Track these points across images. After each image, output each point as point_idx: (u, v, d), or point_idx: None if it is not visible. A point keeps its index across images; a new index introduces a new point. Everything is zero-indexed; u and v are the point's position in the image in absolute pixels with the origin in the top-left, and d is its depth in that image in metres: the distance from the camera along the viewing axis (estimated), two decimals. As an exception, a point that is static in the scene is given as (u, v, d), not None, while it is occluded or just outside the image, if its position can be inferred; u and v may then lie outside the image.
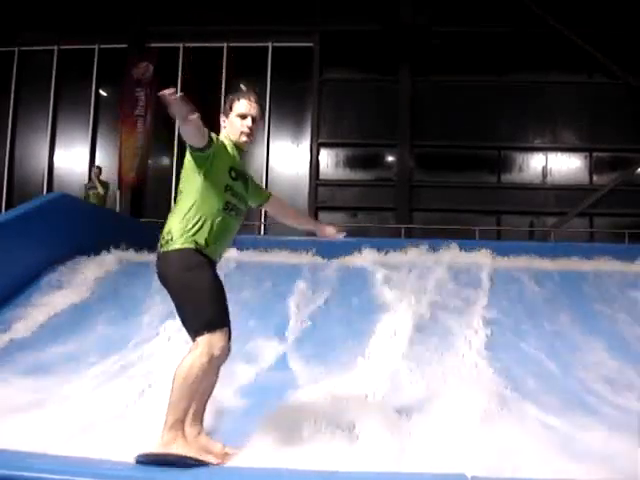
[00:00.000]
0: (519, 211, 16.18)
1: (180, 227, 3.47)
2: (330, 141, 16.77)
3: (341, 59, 17.00)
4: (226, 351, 3.40)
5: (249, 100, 3.75)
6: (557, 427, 4.56)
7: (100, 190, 13.13)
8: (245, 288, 8.06)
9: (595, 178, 16.31)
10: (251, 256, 9.95)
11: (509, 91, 16.43)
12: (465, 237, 13.78)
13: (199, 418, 3.57)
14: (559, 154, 16.46)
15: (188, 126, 3.57)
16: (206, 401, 3.61)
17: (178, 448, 3.18)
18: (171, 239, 3.47)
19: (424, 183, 16.44)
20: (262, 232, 16.02)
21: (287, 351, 6.48)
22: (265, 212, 16.69)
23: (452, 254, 9.86)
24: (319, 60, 16.83)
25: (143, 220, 15.10)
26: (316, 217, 16.23)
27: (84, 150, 17.41)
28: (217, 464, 3.28)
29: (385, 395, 5.09)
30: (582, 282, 8.72)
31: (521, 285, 8.59)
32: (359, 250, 9.84)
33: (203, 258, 3.46)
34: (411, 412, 4.53)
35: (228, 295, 3.62)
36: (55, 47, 17.54)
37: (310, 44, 16.90)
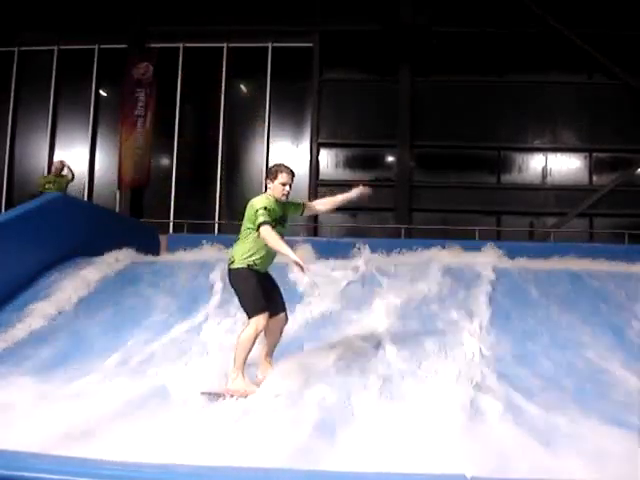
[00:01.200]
0: (519, 211, 16.19)
1: (237, 254, 5.51)
2: (330, 141, 16.78)
3: (341, 59, 17.01)
4: (275, 324, 5.61)
5: (287, 174, 5.56)
6: (558, 426, 4.57)
7: (53, 185, 11.97)
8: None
9: (595, 179, 16.32)
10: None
11: (509, 91, 16.44)
12: (465, 237, 13.80)
13: (268, 357, 5.76)
14: (559, 154, 16.47)
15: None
16: (272, 346, 5.75)
17: (239, 385, 5.28)
18: (233, 261, 5.51)
19: (424, 183, 16.44)
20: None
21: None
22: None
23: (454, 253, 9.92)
24: (319, 60, 16.83)
25: (143, 220, 15.13)
26: (316, 218, 16.26)
27: (84, 150, 17.41)
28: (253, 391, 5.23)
29: (381, 394, 5.10)
30: (582, 282, 8.72)
31: (521, 285, 8.60)
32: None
33: (252, 272, 5.48)
34: (408, 412, 4.54)
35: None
36: (55, 47, 17.55)
37: (310, 44, 16.91)
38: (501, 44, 16.44)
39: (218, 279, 8.35)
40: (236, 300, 5.69)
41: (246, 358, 5.39)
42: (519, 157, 16.56)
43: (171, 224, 15.96)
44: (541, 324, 7.32)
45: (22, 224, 8.88)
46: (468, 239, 13.50)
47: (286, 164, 5.72)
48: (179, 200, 16.79)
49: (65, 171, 12.22)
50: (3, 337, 7.19)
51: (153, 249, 10.73)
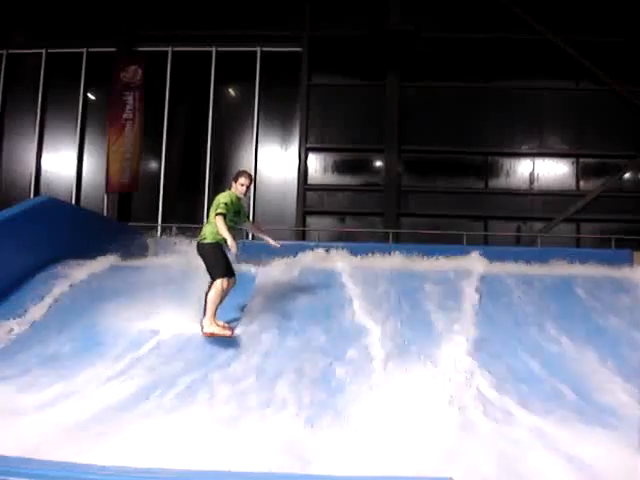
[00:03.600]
0: (506, 216, 16.25)
1: (207, 232, 7.05)
2: (318, 146, 16.79)
3: (329, 64, 17.04)
4: (228, 285, 7.04)
5: (246, 177, 7.29)
6: (546, 431, 4.59)
7: None
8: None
9: (582, 184, 16.41)
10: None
11: (496, 97, 16.52)
12: (453, 242, 13.85)
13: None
14: (546, 160, 16.56)
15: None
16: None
17: (214, 329, 6.82)
18: (205, 237, 7.03)
19: (412, 188, 16.49)
20: (250, 236, 16.04)
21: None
22: (253, 218, 16.81)
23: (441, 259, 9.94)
24: (307, 65, 16.85)
25: (131, 224, 15.09)
26: (304, 222, 16.29)
27: (72, 154, 17.36)
28: (231, 333, 6.89)
29: (370, 399, 5.11)
30: (569, 287, 8.76)
31: (508, 290, 8.63)
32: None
33: (220, 246, 6.98)
34: (397, 415, 4.55)
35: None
36: (43, 50, 17.49)
37: (299, 49, 16.93)
38: (488, 50, 16.53)
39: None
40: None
41: (215, 310, 6.88)
42: (506, 162, 16.64)
43: (159, 227, 15.92)
44: (530, 329, 7.36)
45: (9, 228, 8.85)
46: (456, 244, 13.56)
47: (247, 171, 7.67)
48: (167, 204, 16.77)
49: None
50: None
51: (140, 252, 10.69)
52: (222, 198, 7.11)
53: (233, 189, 7.31)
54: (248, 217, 8.22)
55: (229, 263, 7.18)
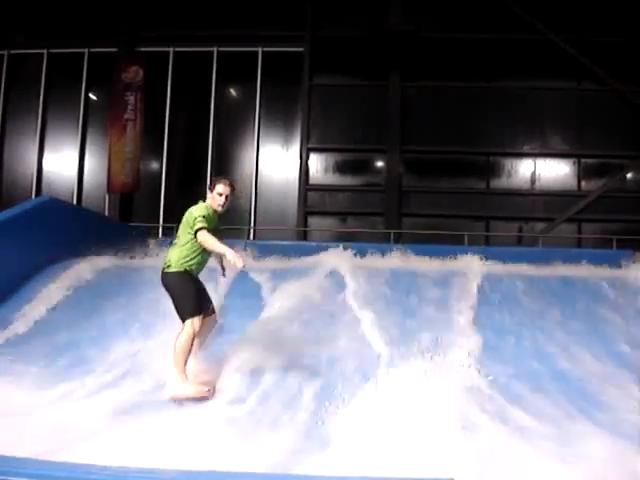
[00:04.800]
0: (508, 217, 16.23)
1: (174, 258, 5.84)
2: (320, 146, 16.78)
3: (331, 64, 17.02)
4: (205, 325, 5.94)
5: (224, 185, 5.98)
6: (549, 433, 4.59)
7: None
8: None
9: (583, 184, 16.39)
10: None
11: (498, 97, 16.50)
12: (454, 242, 13.84)
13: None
14: (547, 160, 16.53)
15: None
16: (199, 346, 6.08)
17: (186, 390, 5.54)
18: (170, 265, 5.83)
19: (413, 188, 16.48)
20: (252, 236, 16.06)
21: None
22: (255, 218, 16.64)
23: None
24: (309, 65, 16.84)
25: (132, 224, 15.09)
26: (305, 222, 16.27)
27: (73, 154, 17.36)
28: (208, 391, 5.61)
29: (370, 398, 5.11)
30: (570, 287, 8.76)
31: (510, 290, 8.63)
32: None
33: (189, 276, 5.83)
34: (398, 417, 4.54)
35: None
36: (45, 51, 17.49)
37: (300, 49, 16.92)
38: (490, 50, 16.52)
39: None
40: None
41: (186, 361, 5.61)
42: (508, 162, 16.62)
43: (160, 228, 15.93)
44: (531, 330, 7.35)
45: (10, 228, 8.86)
46: (457, 244, 13.54)
47: (227, 177, 6.19)
48: (168, 204, 16.78)
49: None
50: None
51: (141, 252, 10.70)
52: (196, 211, 5.83)
53: (209, 200, 6.01)
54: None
55: (204, 295, 6.03)
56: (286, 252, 10.60)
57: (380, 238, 15.25)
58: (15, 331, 7.61)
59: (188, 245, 5.82)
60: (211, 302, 6.13)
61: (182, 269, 5.77)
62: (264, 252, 10.55)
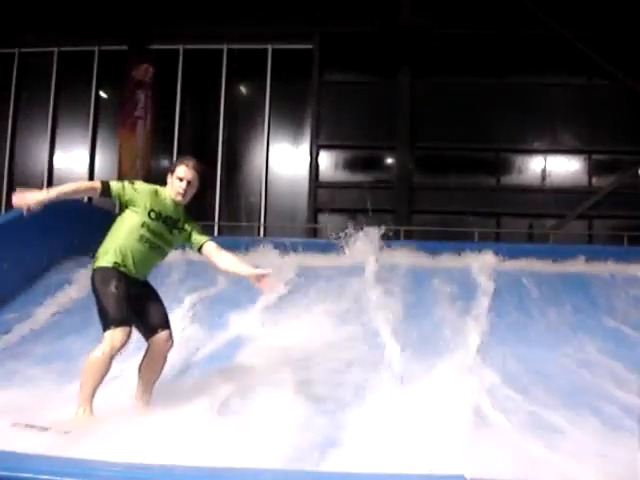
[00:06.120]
0: (518, 213, 16.17)
1: (102, 250, 4.63)
2: (330, 143, 16.77)
3: (341, 61, 17.00)
4: (122, 341, 4.34)
5: (186, 167, 4.77)
6: (558, 428, 4.57)
7: None
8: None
9: (594, 180, 16.31)
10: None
11: (508, 93, 16.42)
12: (464, 239, 13.80)
13: (145, 394, 4.74)
14: (558, 156, 16.46)
15: (69, 197, 4.92)
16: (149, 380, 4.70)
17: (78, 422, 4.09)
18: (97, 258, 4.61)
19: (423, 185, 16.44)
20: (262, 233, 16.06)
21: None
22: (265, 215, 16.60)
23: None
24: (319, 62, 16.82)
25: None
26: (315, 219, 16.26)
27: (84, 152, 17.41)
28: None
29: (379, 395, 5.10)
30: (581, 284, 8.73)
31: (520, 287, 8.61)
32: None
33: (117, 273, 4.49)
34: (407, 413, 4.54)
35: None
36: (55, 49, 17.54)
37: (310, 46, 16.90)
38: (500, 46, 16.45)
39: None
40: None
41: (96, 387, 4.27)
42: (518, 159, 16.56)
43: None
44: (542, 326, 7.33)
45: (21, 225, 8.89)
46: (467, 241, 13.51)
47: (192, 157, 4.95)
48: (179, 202, 16.78)
49: None
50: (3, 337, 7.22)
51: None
52: (137, 184, 4.73)
53: (169, 186, 4.86)
54: (190, 236, 4.97)
55: (148, 306, 4.72)
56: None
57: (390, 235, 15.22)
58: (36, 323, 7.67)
59: (115, 232, 4.70)
60: (163, 317, 4.77)
61: (110, 263, 4.52)
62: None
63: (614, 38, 16.02)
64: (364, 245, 10.20)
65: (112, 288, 4.40)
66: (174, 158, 16.90)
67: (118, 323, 4.33)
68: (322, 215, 16.51)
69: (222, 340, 6.99)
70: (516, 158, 16.55)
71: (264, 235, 15.85)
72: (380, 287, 8.42)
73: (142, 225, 4.64)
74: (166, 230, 4.75)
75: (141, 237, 4.64)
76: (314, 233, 16.00)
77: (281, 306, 8.05)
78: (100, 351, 4.27)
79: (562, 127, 16.46)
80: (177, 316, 7.19)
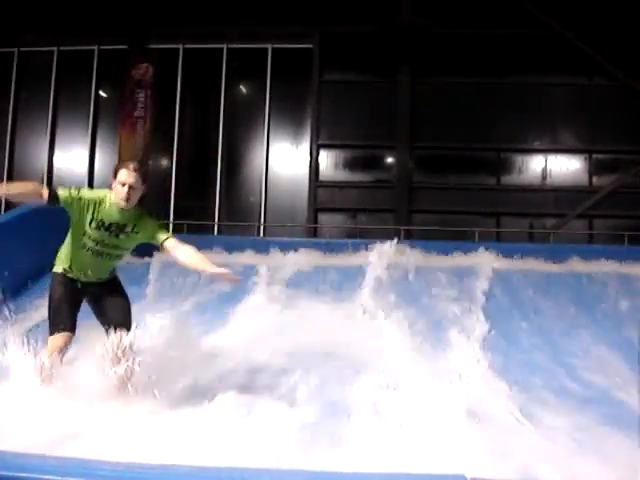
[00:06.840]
0: (519, 213, 16.17)
1: (58, 255, 4.80)
2: (330, 142, 16.76)
3: (341, 61, 17.00)
4: (61, 347, 4.46)
5: (127, 170, 4.61)
6: (559, 427, 4.57)
7: None
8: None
9: (594, 180, 16.31)
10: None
11: (509, 93, 16.42)
12: (465, 239, 13.80)
13: None
14: (558, 156, 16.46)
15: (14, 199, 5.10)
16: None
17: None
18: (55, 263, 4.79)
19: (423, 185, 16.44)
20: (262, 233, 16.05)
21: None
22: (265, 215, 16.59)
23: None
24: (319, 62, 16.82)
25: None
26: (316, 219, 16.26)
27: (84, 151, 17.41)
28: None
29: (381, 394, 5.10)
30: (581, 283, 8.74)
31: (519, 286, 8.61)
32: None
33: (64, 279, 4.67)
34: (407, 413, 4.53)
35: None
36: (55, 48, 17.53)
37: (310, 46, 16.90)
38: (501, 46, 16.44)
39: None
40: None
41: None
42: (519, 158, 16.56)
43: (170, 225, 15.94)
44: (542, 325, 7.33)
45: (21, 225, 8.89)
46: (468, 240, 13.51)
47: (134, 162, 4.83)
48: (178, 201, 16.78)
49: None
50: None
51: (151, 250, 10.71)
52: (82, 192, 4.80)
53: (113, 191, 4.71)
54: (151, 235, 4.85)
55: (103, 309, 4.78)
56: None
57: (390, 235, 15.22)
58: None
59: (67, 239, 4.81)
60: (117, 315, 4.76)
61: (59, 269, 4.73)
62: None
63: (614, 38, 16.01)
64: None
65: (56, 296, 4.60)
66: (174, 157, 16.92)
67: (58, 330, 4.50)
68: (322, 214, 16.51)
69: (222, 340, 6.99)
70: (516, 158, 16.55)
71: (264, 235, 15.86)
72: (380, 287, 8.42)
73: (84, 234, 4.70)
74: (110, 237, 4.72)
75: (84, 245, 4.72)
76: (314, 233, 16.00)
77: (281, 306, 8.04)
78: (47, 351, 4.45)
79: (562, 127, 16.45)
80: (178, 315, 7.18)
